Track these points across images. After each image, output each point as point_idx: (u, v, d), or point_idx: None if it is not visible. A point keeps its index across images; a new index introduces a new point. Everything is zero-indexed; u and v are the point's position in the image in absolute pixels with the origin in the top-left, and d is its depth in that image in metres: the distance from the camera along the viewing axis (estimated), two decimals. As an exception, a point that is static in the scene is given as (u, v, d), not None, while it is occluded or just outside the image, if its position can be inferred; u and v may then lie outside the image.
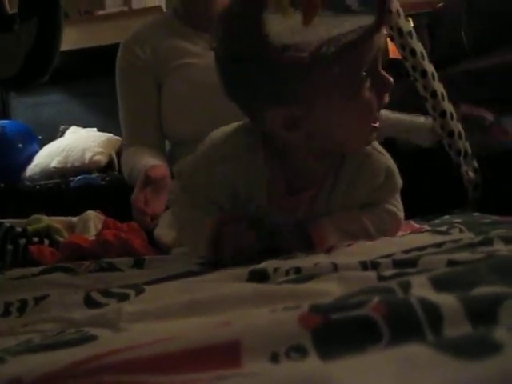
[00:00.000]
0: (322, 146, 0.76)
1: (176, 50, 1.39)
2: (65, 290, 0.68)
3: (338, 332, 0.29)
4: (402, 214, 0.87)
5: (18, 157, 2.77)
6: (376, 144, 0.82)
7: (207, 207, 0.80)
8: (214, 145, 0.79)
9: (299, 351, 0.28)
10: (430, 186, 1.33)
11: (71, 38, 2.86)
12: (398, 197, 0.86)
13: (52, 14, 1.29)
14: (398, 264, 0.52)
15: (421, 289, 0.34)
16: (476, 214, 1.09)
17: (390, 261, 0.53)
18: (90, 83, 3.02)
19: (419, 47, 1.04)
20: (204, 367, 0.29)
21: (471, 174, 1.17)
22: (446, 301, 0.30)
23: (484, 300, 0.30)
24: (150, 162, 1.25)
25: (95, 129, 2.86)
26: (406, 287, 0.35)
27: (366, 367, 0.25)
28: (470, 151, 1.19)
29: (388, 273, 0.46)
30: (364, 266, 0.54)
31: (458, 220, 1.01)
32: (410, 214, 1.17)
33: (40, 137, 2.92)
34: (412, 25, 1.13)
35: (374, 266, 0.53)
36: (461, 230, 0.81)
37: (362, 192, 0.82)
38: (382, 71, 0.73)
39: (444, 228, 0.83)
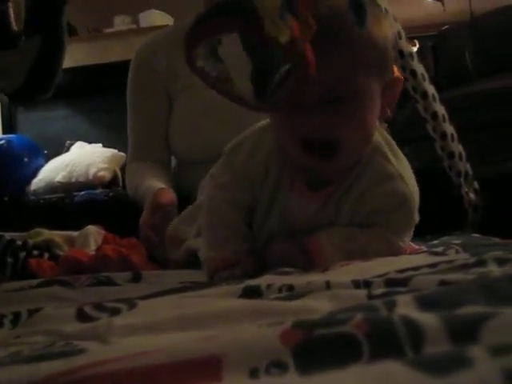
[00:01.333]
0: None
1: None
2: (60, 303, 0.68)
3: (319, 348, 0.29)
4: (405, 249, 0.87)
5: (23, 170, 2.80)
6: (408, 175, 0.83)
7: (237, 201, 0.84)
8: (262, 129, 0.85)
9: (279, 367, 0.29)
10: (431, 207, 1.33)
11: (79, 55, 2.90)
12: (410, 232, 0.86)
13: (55, 31, 1.32)
14: (389, 283, 0.52)
15: (405, 307, 0.35)
16: (476, 235, 1.09)
17: (382, 280, 0.53)
18: (97, 99, 3.06)
19: (420, 69, 1.04)
20: (185, 380, 0.29)
21: (472, 195, 1.18)
22: (428, 319, 0.30)
23: (466, 319, 0.30)
24: (156, 183, 1.25)
25: (100, 144, 2.88)
26: (391, 306, 0.35)
27: (343, 383, 0.26)
28: (470, 172, 1.19)
29: (378, 291, 0.46)
30: (356, 284, 0.54)
31: (457, 241, 1.01)
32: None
33: (46, 151, 2.94)
34: (418, 46, 1.14)
35: (367, 284, 0.53)
36: (457, 251, 0.81)
37: (371, 207, 0.82)
38: None
39: (440, 249, 0.83)
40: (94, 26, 3.18)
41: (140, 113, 1.44)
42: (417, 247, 1.01)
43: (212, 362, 0.29)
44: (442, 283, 0.49)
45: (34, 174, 2.80)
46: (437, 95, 1.09)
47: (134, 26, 3.07)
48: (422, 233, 1.19)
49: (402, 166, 0.84)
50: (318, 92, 0.71)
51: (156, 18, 3.01)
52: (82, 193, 2.59)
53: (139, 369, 0.31)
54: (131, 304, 0.55)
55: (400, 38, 1.00)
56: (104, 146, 2.88)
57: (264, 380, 0.28)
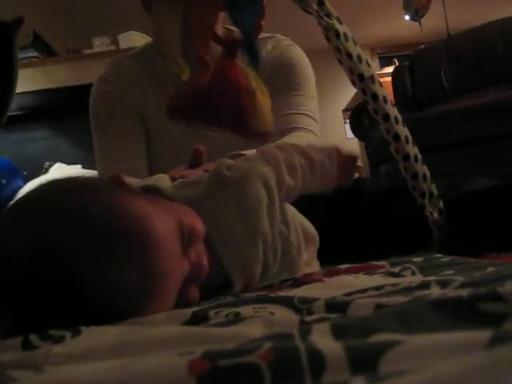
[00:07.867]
0: None
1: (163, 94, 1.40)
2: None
3: (222, 378, 0.30)
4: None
5: (1, 192, 2.78)
6: None
7: None
8: None
9: (183, 397, 0.29)
10: (399, 227, 1.34)
11: (58, 76, 2.91)
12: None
13: (7, 61, 1.32)
14: (329, 308, 0.53)
15: (319, 335, 0.35)
16: (438, 255, 1.10)
17: (323, 305, 0.54)
18: (76, 120, 3.04)
19: (381, 92, 1.06)
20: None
21: (436, 215, 1.19)
22: (332, 348, 0.31)
23: (369, 348, 0.31)
24: None
25: (79, 166, 2.88)
26: (305, 334, 0.36)
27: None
28: (435, 192, 1.20)
29: (311, 318, 0.47)
30: (299, 310, 0.55)
31: (420, 259, 1.02)
32: (378, 254, 1.18)
33: (25, 173, 2.93)
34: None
35: (308, 310, 0.54)
36: (413, 272, 0.82)
37: None
38: None
39: (397, 270, 0.84)
40: (73, 47, 3.19)
41: (110, 131, 1.45)
42: (379, 263, 1.02)
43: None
44: (379, 307, 0.50)
45: (13, 195, 2.78)
46: (400, 117, 1.11)
47: (113, 48, 3.08)
48: (389, 251, 1.20)
49: None
50: None
51: (135, 39, 3.02)
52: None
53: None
54: (75, 331, 0.56)
55: (360, 62, 1.02)
56: (83, 167, 2.87)
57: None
